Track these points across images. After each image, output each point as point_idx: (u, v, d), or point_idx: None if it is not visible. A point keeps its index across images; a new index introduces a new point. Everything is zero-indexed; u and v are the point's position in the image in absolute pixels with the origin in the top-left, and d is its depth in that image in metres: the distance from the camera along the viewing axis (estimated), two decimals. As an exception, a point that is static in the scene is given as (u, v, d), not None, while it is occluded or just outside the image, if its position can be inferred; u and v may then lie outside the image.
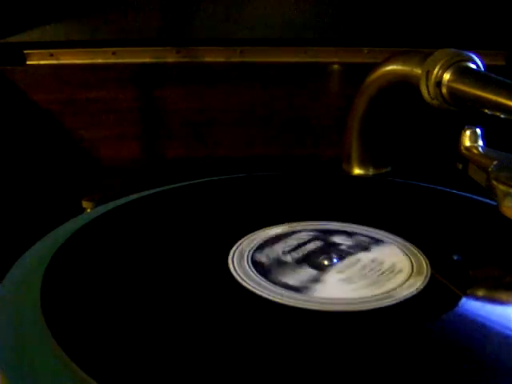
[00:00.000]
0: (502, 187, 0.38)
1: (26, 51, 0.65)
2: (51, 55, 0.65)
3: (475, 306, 0.32)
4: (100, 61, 0.65)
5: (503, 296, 0.35)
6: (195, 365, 0.27)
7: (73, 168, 0.64)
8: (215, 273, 0.34)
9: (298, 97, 0.66)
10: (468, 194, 0.47)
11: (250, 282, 0.33)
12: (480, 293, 0.34)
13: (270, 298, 0.31)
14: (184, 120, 0.66)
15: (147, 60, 0.65)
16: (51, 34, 0.64)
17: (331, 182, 0.51)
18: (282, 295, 0.31)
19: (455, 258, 0.37)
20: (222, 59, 0.65)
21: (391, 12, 0.64)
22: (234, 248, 0.37)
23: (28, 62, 0.65)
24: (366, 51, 0.66)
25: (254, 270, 0.34)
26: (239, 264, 0.35)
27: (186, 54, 0.65)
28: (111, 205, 0.45)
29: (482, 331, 0.30)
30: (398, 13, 0.64)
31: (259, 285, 0.32)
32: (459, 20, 0.66)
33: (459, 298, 0.32)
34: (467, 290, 0.33)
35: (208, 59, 0.65)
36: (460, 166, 0.46)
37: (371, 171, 0.58)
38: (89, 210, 0.49)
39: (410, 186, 0.50)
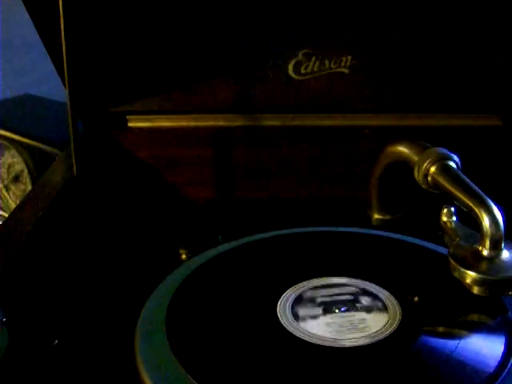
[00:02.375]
0: (453, 263, 0.56)
1: (127, 117, 0.83)
2: (148, 120, 0.84)
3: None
4: (184, 124, 0.82)
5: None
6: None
7: (163, 208, 0.83)
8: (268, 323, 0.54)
9: (342, 154, 0.81)
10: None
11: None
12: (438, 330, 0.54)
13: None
14: (248, 170, 0.82)
15: (220, 124, 0.81)
16: (147, 104, 0.82)
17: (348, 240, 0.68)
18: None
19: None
20: (278, 123, 0.82)
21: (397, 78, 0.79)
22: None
23: (129, 125, 0.83)
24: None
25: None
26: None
27: (249, 119, 0.81)
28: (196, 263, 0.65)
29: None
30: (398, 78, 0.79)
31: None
32: (460, 86, 0.79)
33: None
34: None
35: (267, 123, 0.82)
36: (440, 233, 0.65)
37: (388, 217, 0.76)
38: (184, 256, 0.68)
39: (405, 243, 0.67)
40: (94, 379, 0.52)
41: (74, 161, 0.69)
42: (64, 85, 0.69)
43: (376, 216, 0.75)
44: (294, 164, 0.82)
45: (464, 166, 0.72)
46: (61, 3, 0.64)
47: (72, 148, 0.69)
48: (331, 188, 0.83)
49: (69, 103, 0.68)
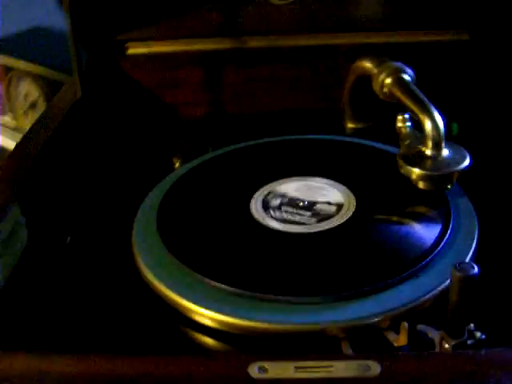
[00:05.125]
0: (400, 161, 0.65)
1: (126, 44, 0.91)
2: (144, 46, 0.91)
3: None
4: (178, 48, 0.89)
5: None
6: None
7: (161, 125, 0.91)
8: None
9: (322, 70, 0.89)
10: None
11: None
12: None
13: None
14: (237, 89, 0.91)
15: (210, 47, 0.89)
16: (144, 32, 0.90)
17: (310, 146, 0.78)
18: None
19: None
20: (262, 44, 0.89)
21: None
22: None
23: (128, 52, 0.91)
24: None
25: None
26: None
27: (236, 41, 0.89)
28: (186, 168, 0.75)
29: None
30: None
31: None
32: (428, 3, 0.85)
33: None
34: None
35: (253, 45, 0.89)
36: (396, 138, 0.73)
37: (360, 125, 0.85)
38: (177, 165, 0.77)
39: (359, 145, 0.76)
40: (99, 269, 0.63)
41: (78, 84, 0.78)
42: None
43: (349, 125, 0.84)
44: (278, 81, 0.91)
45: (432, 80, 0.80)
46: None
47: (76, 73, 0.77)
48: (313, 102, 0.91)
49: (71, 32, 0.76)
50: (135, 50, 0.90)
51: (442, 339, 0.48)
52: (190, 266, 0.57)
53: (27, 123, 1.15)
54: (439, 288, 0.54)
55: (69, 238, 0.66)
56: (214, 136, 0.85)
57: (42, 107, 1.12)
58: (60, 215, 0.68)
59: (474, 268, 0.45)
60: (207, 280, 0.55)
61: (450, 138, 0.77)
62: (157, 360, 0.41)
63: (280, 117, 0.89)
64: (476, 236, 0.60)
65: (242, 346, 0.53)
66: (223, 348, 0.53)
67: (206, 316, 0.54)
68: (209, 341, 0.54)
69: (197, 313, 0.54)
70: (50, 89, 1.10)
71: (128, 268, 0.60)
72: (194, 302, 0.54)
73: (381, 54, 0.76)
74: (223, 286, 0.54)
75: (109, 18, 0.87)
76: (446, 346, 0.47)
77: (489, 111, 0.84)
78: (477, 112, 0.84)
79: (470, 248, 0.58)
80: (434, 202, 0.64)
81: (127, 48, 0.90)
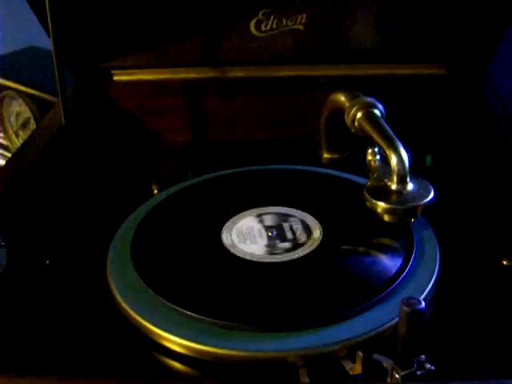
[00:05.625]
0: (366, 195, 0.67)
1: (112, 71, 0.94)
2: (130, 74, 0.94)
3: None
4: (162, 77, 0.92)
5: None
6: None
7: (144, 151, 0.93)
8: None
9: (301, 100, 0.92)
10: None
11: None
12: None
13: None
14: (217, 116, 0.94)
15: (192, 76, 0.92)
16: (130, 60, 0.92)
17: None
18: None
19: None
20: (243, 74, 0.92)
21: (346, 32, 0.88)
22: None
23: (114, 79, 0.95)
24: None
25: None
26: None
27: (218, 71, 0.92)
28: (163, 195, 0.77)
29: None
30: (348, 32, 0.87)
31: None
32: (406, 36, 0.87)
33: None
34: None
35: (234, 74, 0.91)
36: (367, 170, 0.75)
37: (336, 155, 0.88)
38: (155, 192, 0.80)
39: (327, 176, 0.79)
40: (75, 291, 0.65)
41: (61, 112, 0.80)
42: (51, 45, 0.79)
43: (325, 155, 0.86)
44: (257, 110, 0.94)
45: (408, 113, 0.82)
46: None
47: (60, 101, 0.80)
48: (291, 131, 0.94)
49: (55, 60, 0.79)
50: (119, 77, 0.93)
51: (392, 369, 0.50)
52: (160, 293, 0.59)
53: (18, 142, 1.17)
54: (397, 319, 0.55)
55: (47, 261, 0.67)
56: (195, 163, 0.87)
57: (33, 127, 1.14)
58: (39, 238, 0.70)
59: (421, 303, 0.47)
60: (177, 308, 0.58)
61: (424, 169, 0.81)
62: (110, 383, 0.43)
63: (259, 146, 0.92)
64: (436, 270, 0.62)
65: (212, 372, 0.55)
66: (194, 374, 0.56)
67: (174, 342, 0.56)
68: (179, 366, 0.56)
69: (166, 339, 0.57)
70: (41, 109, 1.12)
71: (102, 293, 0.63)
72: (163, 329, 0.57)
73: (359, 87, 0.77)
74: (189, 313, 0.57)
75: (94, 46, 0.90)
76: (396, 376, 0.49)
77: (463, 144, 0.86)
78: (451, 145, 0.86)
79: (429, 283, 0.60)
80: (398, 234, 0.66)
81: (112, 75, 0.93)
